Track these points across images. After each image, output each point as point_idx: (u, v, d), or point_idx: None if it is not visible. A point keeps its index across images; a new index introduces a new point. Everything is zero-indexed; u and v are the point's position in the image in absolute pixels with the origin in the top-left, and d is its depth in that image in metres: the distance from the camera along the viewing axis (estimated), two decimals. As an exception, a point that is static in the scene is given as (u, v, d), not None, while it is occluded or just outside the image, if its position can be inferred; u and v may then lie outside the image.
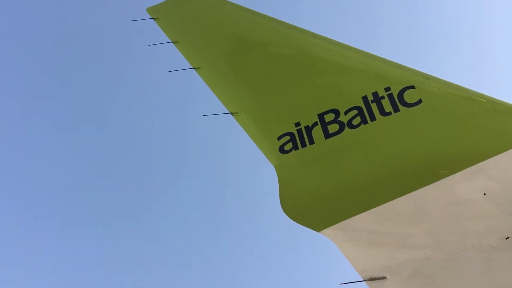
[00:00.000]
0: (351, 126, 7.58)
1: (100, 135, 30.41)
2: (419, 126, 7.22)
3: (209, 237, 27.81)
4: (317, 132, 7.80)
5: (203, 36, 9.83)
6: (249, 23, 9.54)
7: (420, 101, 7.30)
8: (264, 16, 9.32)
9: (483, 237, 6.40)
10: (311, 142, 7.79)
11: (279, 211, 7.60)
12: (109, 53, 31.39)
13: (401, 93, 7.45)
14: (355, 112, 7.63)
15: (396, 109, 7.38)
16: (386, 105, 7.46)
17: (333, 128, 7.71)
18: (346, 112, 7.71)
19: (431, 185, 6.74)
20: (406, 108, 7.33)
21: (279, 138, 8.04)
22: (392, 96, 7.49)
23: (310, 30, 8.83)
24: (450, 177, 6.67)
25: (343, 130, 7.62)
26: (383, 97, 7.53)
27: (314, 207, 7.50)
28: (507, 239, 6.25)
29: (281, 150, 7.95)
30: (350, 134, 7.56)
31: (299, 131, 7.95)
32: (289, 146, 7.93)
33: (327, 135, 7.71)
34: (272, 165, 7.97)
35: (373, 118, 7.47)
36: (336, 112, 7.79)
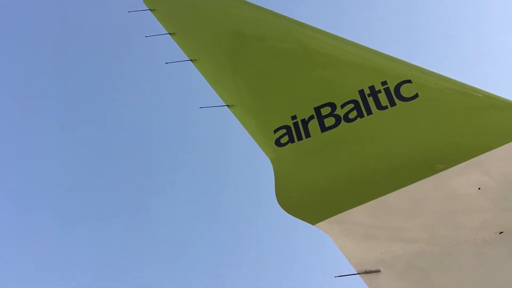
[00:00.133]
0: (347, 119, 7.58)
1: (95, 127, 30.33)
2: (415, 120, 7.23)
3: (203, 230, 27.89)
4: (313, 125, 7.80)
5: (200, 28, 9.78)
6: (247, 16, 9.51)
7: (416, 95, 7.30)
8: (262, 8, 9.28)
9: (477, 232, 6.42)
10: (307, 135, 7.78)
11: (274, 204, 7.62)
12: (106, 44, 31.27)
13: (397, 87, 7.45)
14: (351, 105, 7.62)
15: (393, 103, 7.38)
16: (383, 99, 7.46)
17: (329, 121, 7.71)
18: (342, 106, 7.71)
19: (426, 179, 6.76)
20: (402, 102, 7.33)
21: (275, 131, 8.03)
22: (388, 90, 7.48)
23: (308, 24, 8.82)
24: (445, 171, 6.68)
25: (339, 123, 7.62)
26: (379, 91, 7.53)
27: (309, 200, 7.51)
28: (501, 234, 6.28)
29: (277, 143, 7.94)
30: (346, 127, 7.56)
31: (296, 124, 7.94)
32: (285, 139, 7.92)
33: (323, 128, 7.71)
34: (268, 158, 7.97)
35: (369, 112, 7.47)
36: (332, 105, 7.79)
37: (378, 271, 6.75)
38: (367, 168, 7.28)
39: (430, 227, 6.71)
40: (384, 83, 7.56)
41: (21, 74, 29.47)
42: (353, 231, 7.10)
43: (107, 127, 30.40)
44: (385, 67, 7.69)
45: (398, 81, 7.49)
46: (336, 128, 7.62)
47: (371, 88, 7.61)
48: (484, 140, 6.67)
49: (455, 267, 6.51)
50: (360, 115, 7.51)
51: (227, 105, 8.55)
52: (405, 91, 7.38)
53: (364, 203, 7.03)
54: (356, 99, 7.64)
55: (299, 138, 7.82)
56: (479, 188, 6.52)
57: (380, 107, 7.43)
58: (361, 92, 7.65)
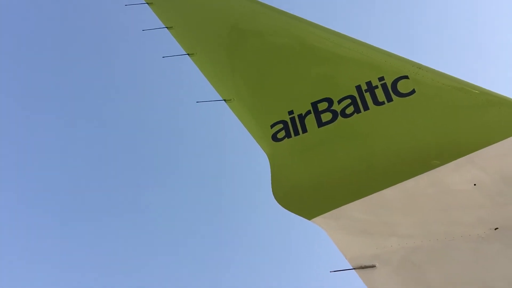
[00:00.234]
0: (344, 115, 7.58)
1: (91, 120, 30.24)
2: (412, 116, 7.23)
3: (198, 224, 27.89)
4: (310, 120, 7.80)
5: (197, 22, 9.75)
6: (244, 10, 9.47)
7: (413, 91, 7.30)
8: (260, 3, 9.25)
9: (473, 228, 6.44)
10: (304, 130, 7.78)
11: (270, 199, 7.62)
12: (103, 38, 31.13)
13: (394, 82, 7.45)
14: (348, 101, 7.62)
15: (390, 99, 7.38)
16: (380, 94, 7.46)
17: (326, 116, 7.70)
18: (339, 101, 7.71)
19: (422, 175, 6.77)
20: (399, 98, 7.33)
21: (272, 126, 8.03)
22: (385, 85, 7.48)
23: (306, 19, 8.79)
24: (441, 167, 6.70)
25: (336, 119, 7.62)
26: (376, 87, 7.53)
27: (305, 195, 7.52)
28: (496, 230, 6.30)
29: (274, 138, 7.94)
30: (343, 123, 7.56)
31: (292, 119, 7.94)
32: (282, 134, 7.92)
33: (320, 123, 7.71)
34: (264, 153, 7.96)
35: (366, 108, 7.47)
36: (329, 101, 7.79)
37: (373, 266, 6.77)
38: (363, 164, 7.28)
39: (426, 223, 6.73)
40: (381, 78, 7.56)
41: (19, 72, 29.30)
42: (348, 226, 7.12)
43: (103, 121, 30.35)
44: (382, 62, 7.68)
45: (395, 77, 7.49)
46: (333, 123, 7.62)
47: (368, 83, 7.61)
48: (480, 137, 6.68)
49: (450, 263, 6.53)
50: (357, 110, 7.51)
51: (224, 100, 8.54)
52: (402, 87, 7.38)
53: (360, 198, 7.04)
54: (353, 94, 7.63)
55: (296, 133, 7.82)
56: (474, 184, 6.53)
57: (377, 102, 7.43)
58: (358, 87, 7.65)
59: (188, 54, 9.16)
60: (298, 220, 7.33)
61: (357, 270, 6.79)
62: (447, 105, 7.10)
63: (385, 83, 7.50)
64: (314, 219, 7.24)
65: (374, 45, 7.95)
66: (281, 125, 7.97)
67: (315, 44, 8.47)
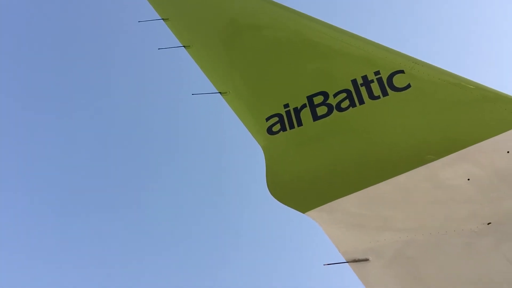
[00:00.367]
0: (339, 109, 7.58)
1: (86, 114, 30.09)
2: (407, 111, 7.24)
3: (191, 217, 27.88)
4: (306, 114, 7.79)
5: (194, 14, 9.70)
6: (241, 3, 9.44)
7: (409, 86, 7.30)
8: None
9: (465, 222, 6.48)
10: (299, 124, 7.78)
11: (265, 193, 7.63)
12: (98, 29, 30.94)
13: (390, 77, 7.45)
14: (344, 95, 7.62)
15: (385, 93, 7.38)
16: (375, 88, 7.46)
17: (321, 110, 7.70)
18: (335, 95, 7.70)
19: (416, 169, 6.79)
20: (394, 92, 7.34)
21: (267, 119, 8.02)
22: (381, 80, 7.48)
23: (302, 12, 8.77)
24: (435, 162, 6.71)
25: (332, 112, 7.62)
26: (372, 81, 7.53)
27: (300, 188, 7.53)
28: (489, 225, 6.33)
29: (269, 131, 7.94)
30: (338, 117, 7.56)
31: (288, 112, 7.93)
32: (277, 127, 7.91)
33: (316, 117, 7.71)
34: (259, 146, 7.96)
35: (361, 102, 7.47)
36: (325, 94, 7.78)
37: (366, 259, 6.80)
38: (358, 157, 7.29)
39: (419, 217, 6.76)
40: (377, 73, 7.56)
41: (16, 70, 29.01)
42: (342, 220, 7.14)
43: (98, 113, 30.21)
44: (378, 57, 7.68)
45: (391, 71, 7.49)
46: (328, 117, 7.62)
47: (364, 77, 7.61)
48: (475, 132, 6.69)
49: (443, 257, 6.57)
50: (353, 104, 7.51)
51: (220, 93, 8.52)
52: (397, 81, 7.38)
53: (354, 192, 7.06)
54: (349, 88, 7.63)
55: (291, 126, 7.82)
56: (468, 179, 6.56)
57: (372, 97, 7.43)
58: (354, 81, 7.65)
59: (184, 46, 9.13)
60: (292, 214, 7.36)
61: (351, 263, 6.83)
62: (442, 100, 7.10)
63: (380, 77, 7.50)
64: (308, 213, 7.26)
65: (370, 39, 7.94)
66: (276, 118, 7.97)
67: (311, 38, 8.45)
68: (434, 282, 6.53)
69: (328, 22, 8.39)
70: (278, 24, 8.93)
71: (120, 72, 31.15)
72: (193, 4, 9.84)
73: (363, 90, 7.52)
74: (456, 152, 6.64)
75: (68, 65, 30.28)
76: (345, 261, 6.85)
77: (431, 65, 7.40)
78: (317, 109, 7.73)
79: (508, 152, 6.44)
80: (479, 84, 6.99)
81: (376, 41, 7.92)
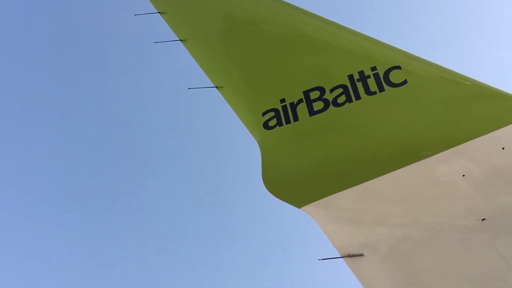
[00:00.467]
0: (336, 104, 7.57)
1: (81, 108, 29.94)
2: (403, 106, 7.23)
3: (185, 212, 27.85)
4: (302, 109, 7.78)
5: (190, 8, 9.65)
6: None
7: (405, 82, 7.30)
8: None
9: (460, 218, 6.51)
10: (296, 119, 7.77)
11: (261, 187, 7.63)
12: (93, 22, 30.74)
13: (387, 73, 7.44)
14: (340, 90, 7.61)
15: (381, 89, 7.37)
16: (372, 84, 7.45)
17: (318, 105, 7.69)
18: (331, 90, 7.69)
19: (412, 165, 6.80)
20: (391, 88, 7.33)
21: (263, 114, 8.01)
22: (378, 75, 7.47)
23: (300, 7, 8.74)
24: (431, 157, 6.73)
25: (328, 108, 7.61)
26: (369, 76, 7.52)
27: (296, 183, 7.53)
28: (483, 221, 6.36)
29: (265, 126, 7.93)
30: (334, 112, 7.55)
31: (284, 107, 7.92)
32: (273, 122, 7.90)
33: (312, 112, 7.70)
34: (255, 141, 7.95)
35: (358, 97, 7.46)
36: (321, 89, 7.77)
37: (361, 255, 6.83)
38: (354, 153, 7.30)
39: (414, 213, 6.78)
40: (373, 68, 7.55)
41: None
42: (338, 215, 7.15)
43: (92, 107, 30.06)
44: (375, 52, 7.66)
45: (388, 67, 7.48)
46: (325, 112, 7.61)
47: (361, 73, 7.60)
48: (470, 128, 6.70)
49: (437, 252, 6.60)
50: (349, 100, 7.50)
51: (216, 87, 8.49)
52: (394, 77, 7.38)
53: (350, 187, 7.07)
54: (345, 83, 7.62)
55: (287, 121, 7.81)
56: (463, 175, 6.58)
57: (369, 92, 7.42)
58: (351, 77, 7.63)
59: (180, 40, 9.09)
60: (288, 208, 7.37)
61: (345, 258, 6.86)
62: (438, 96, 7.11)
63: (377, 73, 7.49)
64: (303, 208, 7.27)
65: (367, 34, 7.93)
66: (272, 113, 7.95)
67: (308, 33, 8.43)
68: (428, 277, 6.57)
69: (326, 17, 8.37)
70: (275, 19, 8.90)
71: (115, 66, 30.97)
72: None
73: (359, 85, 7.51)
74: (452, 148, 6.65)
75: (62, 59, 30.05)
76: (340, 256, 6.88)
77: (428, 61, 7.39)
78: (314, 104, 7.72)
79: (503, 148, 6.46)
80: (476, 80, 7.00)
81: (373, 37, 7.90)
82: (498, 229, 6.33)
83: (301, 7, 8.67)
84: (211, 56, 8.95)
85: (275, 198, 7.50)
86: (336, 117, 7.52)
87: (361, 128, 7.43)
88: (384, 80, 7.40)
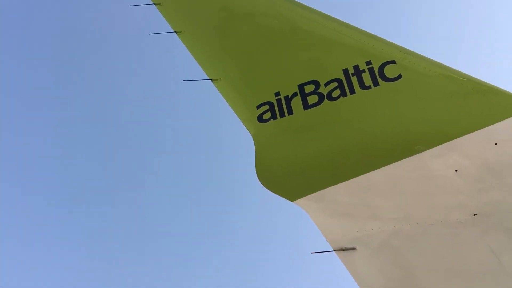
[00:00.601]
0: (330, 98, 7.57)
1: (75, 101, 29.74)
2: (397, 101, 7.24)
3: (178, 205, 27.80)
4: (296, 102, 7.78)
5: (186, 0, 9.60)
6: None
7: (400, 76, 7.30)
8: None
9: (452, 213, 6.54)
10: (290, 112, 7.77)
11: (254, 180, 7.63)
12: (87, 13, 30.49)
13: (381, 67, 7.44)
14: (335, 84, 7.61)
15: (376, 83, 7.37)
16: (366, 78, 7.45)
17: (312, 99, 7.69)
18: (326, 84, 7.68)
19: (405, 159, 6.82)
20: (385, 82, 7.33)
21: (258, 107, 8.00)
22: (372, 70, 7.47)
23: (296, 0, 8.71)
24: (424, 152, 6.74)
25: (322, 101, 7.61)
26: (363, 71, 7.51)
27: (289, 177, 7.54)
28: (475, 216, 6.40)
29: (260, 119, 7.92)
30: (329, 106, 7.55)
31: (279, 101, 7.92)
32: (267, 115, 7.89)
33: (306, 106, 7.70)
34: (249, 134, 7.94)
35: (352, 91, 7.46)
36: (316, 83, 7.76)
37: (353, 248, 6.86)
38: (347, 147, 7.31)
39: (407, 207, 6.81)
40: (368, 62, 7.54)
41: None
42: (330, 209, 7.17)
43: (87, 100, 29.87)
44: (370, 46, 7.66)
45: (383, 62, 7.48)
46: (319, 106, 7.61)
47: (356, 67, 7.59)
48: (463, 123, 6.72)
49: (429, 247, 6.64)
50: (343, 94, 7.50)
51: (211, 79, 8.47)
52: (389, 71, 7.38)
53: (343, 181, 7.09)
54: (340, 78, 7.61)
55: (282, 115, 7.81)
56: (456, 170, 6.60)
57: (363, 86, 7.42)
58: (345, 71, 7.63)
59: (175, 32, 9.05)
60: (281, 202, 7.37)
61: (338, 252, 6.88)
62: (432, 91, 7.12)
63: (372, 67, 7.49)
64: (296, 201, 7.28)
65: (362, 28, 7.92)
66: (267, 106, 7.94)
67: (303, 26, 8.41)
68: (420, 271, 6.60)
69: (321, 11, 8.35)
70: (271, 11, 8.87)
71: (109, 57, 30.79)
72: None
73: (354, 79, 7.51)
74: (445, 143, 6.67)
75: (54, 50, 29.80)
76: (332, 249, 6.90)
77: (423, 56, 7.40)
78: (308, 98, 7.72)
79: (496, 144, 6.48)
80: (471, 76, 7.01)
81: (368, 31, 7.89)
82: (489, 224, 6.36)
83: (297, 1, 8.65)
84: (206, 48, 8.92)
85: (268, 191, 7.51)
86: (330, 111, 7.52)
87: (355, 122, 7.44)
88: (379, 75, 7.40)
